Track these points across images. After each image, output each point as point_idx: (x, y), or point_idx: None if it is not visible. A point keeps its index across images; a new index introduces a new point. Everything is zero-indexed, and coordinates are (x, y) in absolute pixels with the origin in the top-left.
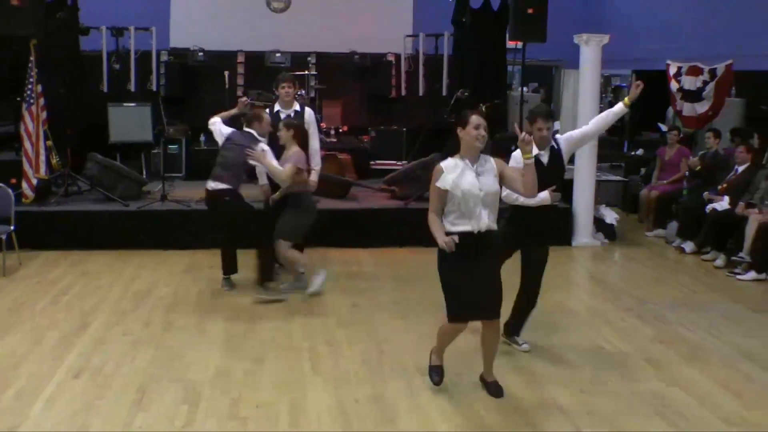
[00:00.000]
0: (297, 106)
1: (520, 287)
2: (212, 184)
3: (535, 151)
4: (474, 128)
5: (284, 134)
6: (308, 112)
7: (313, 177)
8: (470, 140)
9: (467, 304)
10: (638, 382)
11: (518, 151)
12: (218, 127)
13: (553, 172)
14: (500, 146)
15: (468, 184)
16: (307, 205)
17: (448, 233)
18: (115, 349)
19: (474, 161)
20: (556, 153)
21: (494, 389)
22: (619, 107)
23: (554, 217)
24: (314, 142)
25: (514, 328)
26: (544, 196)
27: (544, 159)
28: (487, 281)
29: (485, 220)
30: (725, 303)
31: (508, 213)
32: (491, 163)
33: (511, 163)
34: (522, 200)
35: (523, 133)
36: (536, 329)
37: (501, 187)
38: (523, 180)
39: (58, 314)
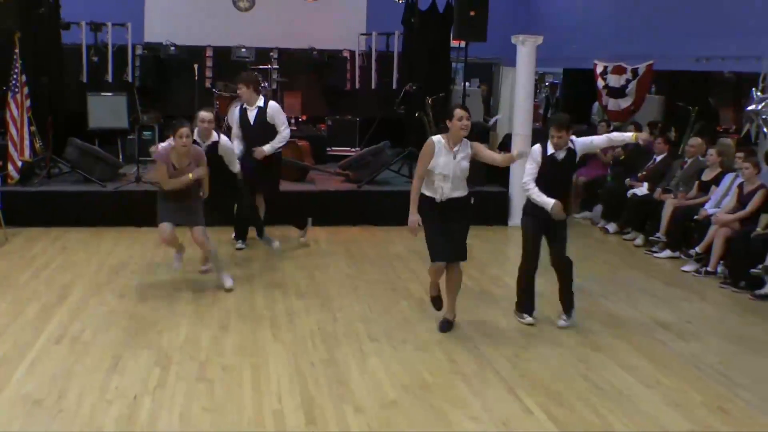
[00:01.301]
0: (261, 102)
1: (554, 266)
2: None
3: (551, 150)
4: (458, 120)
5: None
6: (272, 106)
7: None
8: (456, 130)
9: (439, 251)
10: (565, 348)
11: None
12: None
13: (566, 168)
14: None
15: (443, 165)
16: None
17: (422, 196)
18: (92, 319)
19: (456, 144)
20: (571, 153)
21: (444, 326)
22: (627, 136)
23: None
24: (284, 131)
25: (568, 305)
26: (549, 201)
27: (560, 156)
28: (451, 235)
29: (446, 193)
30: (643, 278)
31: (525, 204)
32: (468, 147)
33: (531, 156)
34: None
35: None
36: (475, 302)
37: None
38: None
39: (40, 286)
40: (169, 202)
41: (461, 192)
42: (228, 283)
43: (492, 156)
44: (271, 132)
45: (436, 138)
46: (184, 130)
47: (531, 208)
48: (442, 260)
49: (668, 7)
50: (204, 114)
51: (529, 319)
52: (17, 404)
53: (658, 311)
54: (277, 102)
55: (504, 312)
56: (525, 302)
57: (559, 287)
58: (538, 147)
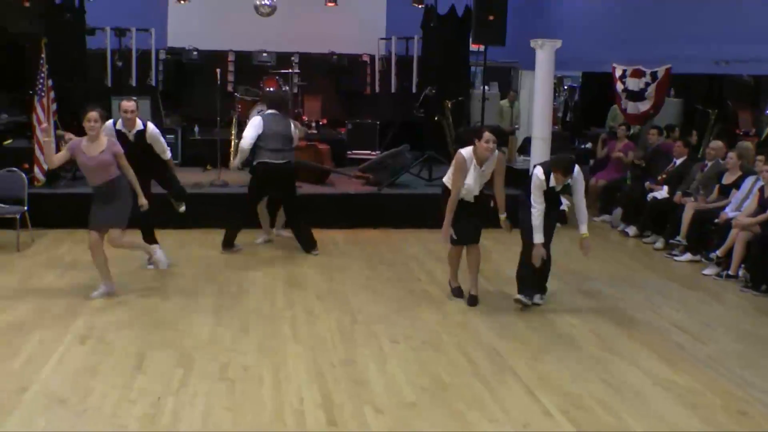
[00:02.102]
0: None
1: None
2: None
3: (552, 183)
4: (485, 142)
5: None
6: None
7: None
8: (482, 151)
9: (462, 236)
10: (583, 350)
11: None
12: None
13: (557, 194)
14: (462, 138)
15: (472, 178)
16: (124, 193)
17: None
18: (116, 319)
19: (483, 163)
20: (566, 186)
21: (471, 301)
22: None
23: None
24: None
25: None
26: (538, 239)
27: (558, 188)
28: (472, 224)
29: (471, 194)
30: (662, 281)
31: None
32: (494, 159)
33: (535, 185)
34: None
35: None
36: (492, 303)
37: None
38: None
39: (65, 287)
40: (96, 203)
41: (480, 190)
42: (162, 261)
43: (499, 185)
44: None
45: (467, 154)
46: (92, 114)
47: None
48: (464, 243)
49: (687, 11)
50: (126, 104)
51: (526, 300)
52: (43, 402)
53: (677, 314)
54: (298, 105)
55: (522, 315)
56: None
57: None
58: (541, 178)
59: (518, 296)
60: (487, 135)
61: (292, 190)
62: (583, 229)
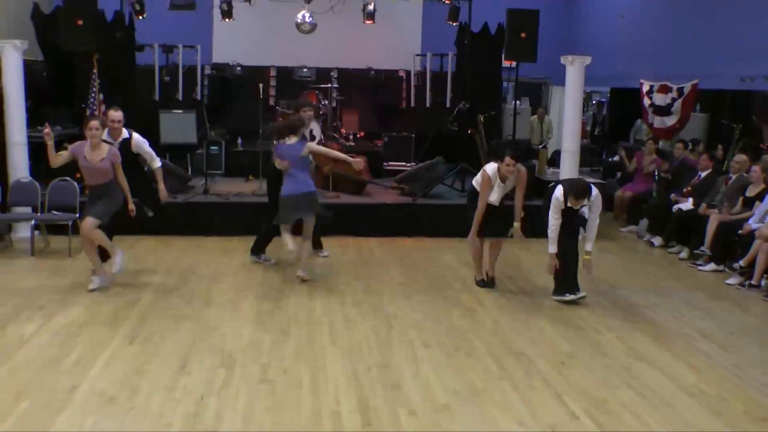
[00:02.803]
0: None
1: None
2: None
3: (569, 203)
4: (506, 165)
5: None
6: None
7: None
8: (504, 171)
9: (483, 231)
10: (610, 357)
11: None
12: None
13: (576, 214)
14: (495, 150)
15: (495, 195)
16: (116, 194)
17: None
18: (161, 321)
19: (505, 180)
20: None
21: (490, 282)
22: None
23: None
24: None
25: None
26: (552, 248)
27: (575, 207)
28: (494, 222)
29: (495, 204)
30: (687, 290)
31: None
32: (516, 174)
33: (554, 204)
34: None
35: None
36: (522, 310)
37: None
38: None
39: (114, 290)
40: (89, 199)
41: (496, 204)
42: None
43: (519, 197)
44: None
45: (491, 171)
46: (93, 123)
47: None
48: (485, 236)
49: (712, 28)
50: (113, 113)
51: (570, 296)
52: (92, 401)
53: (702, 322)
54: (336, 119)
55: (551, 321)
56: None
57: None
58: (560, 199)
59: (553, 297)
60: (507, 159)
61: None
62: (589, 247)
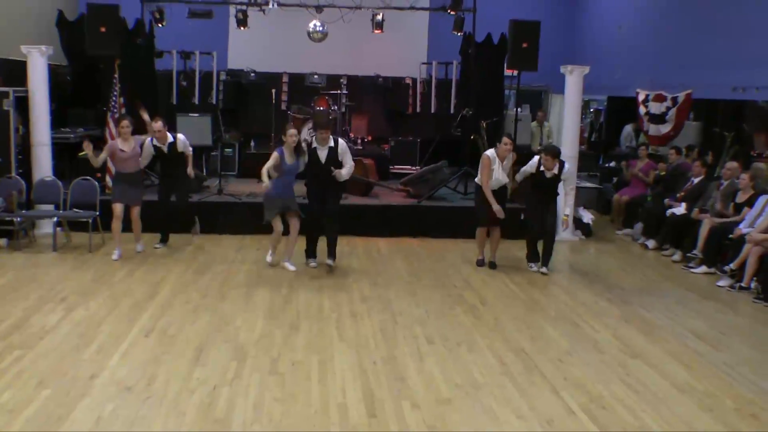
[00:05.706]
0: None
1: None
2: None
3: (542, 168)
4: (504, 144)
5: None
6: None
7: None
8: (502, 150)
9: (485, 219)
10: (606, 353)
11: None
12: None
13: (550, 183)
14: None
15: (496, 175)
16: (142, 181)
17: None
18: (178, 314)
19: (504, 158)
20: (555, 176)
21: (492, 266)
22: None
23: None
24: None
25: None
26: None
27: (548, 175)
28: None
29: (501, 182)
30: (679, 291)
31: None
32: (511, 156)
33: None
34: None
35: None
36: (523, 308)
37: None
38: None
39: (133, 284)
40: (120, 184)
41: (504, 181)
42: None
43: (508, 167)
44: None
45: (491, 153)
46: (125, 122)
47: (531, 188)
48: (487, 225)
49: (706, 40)
50: (155, 124)
51: (534, 267)
52: (111, 389)
53: (694, 322)
54: (346, 124)
55: (551, 319)
56: (532, 256)
57: (544, 249)
58: (536, 161)
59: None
60: (505, 139)
61: None
62: (567, 211)
